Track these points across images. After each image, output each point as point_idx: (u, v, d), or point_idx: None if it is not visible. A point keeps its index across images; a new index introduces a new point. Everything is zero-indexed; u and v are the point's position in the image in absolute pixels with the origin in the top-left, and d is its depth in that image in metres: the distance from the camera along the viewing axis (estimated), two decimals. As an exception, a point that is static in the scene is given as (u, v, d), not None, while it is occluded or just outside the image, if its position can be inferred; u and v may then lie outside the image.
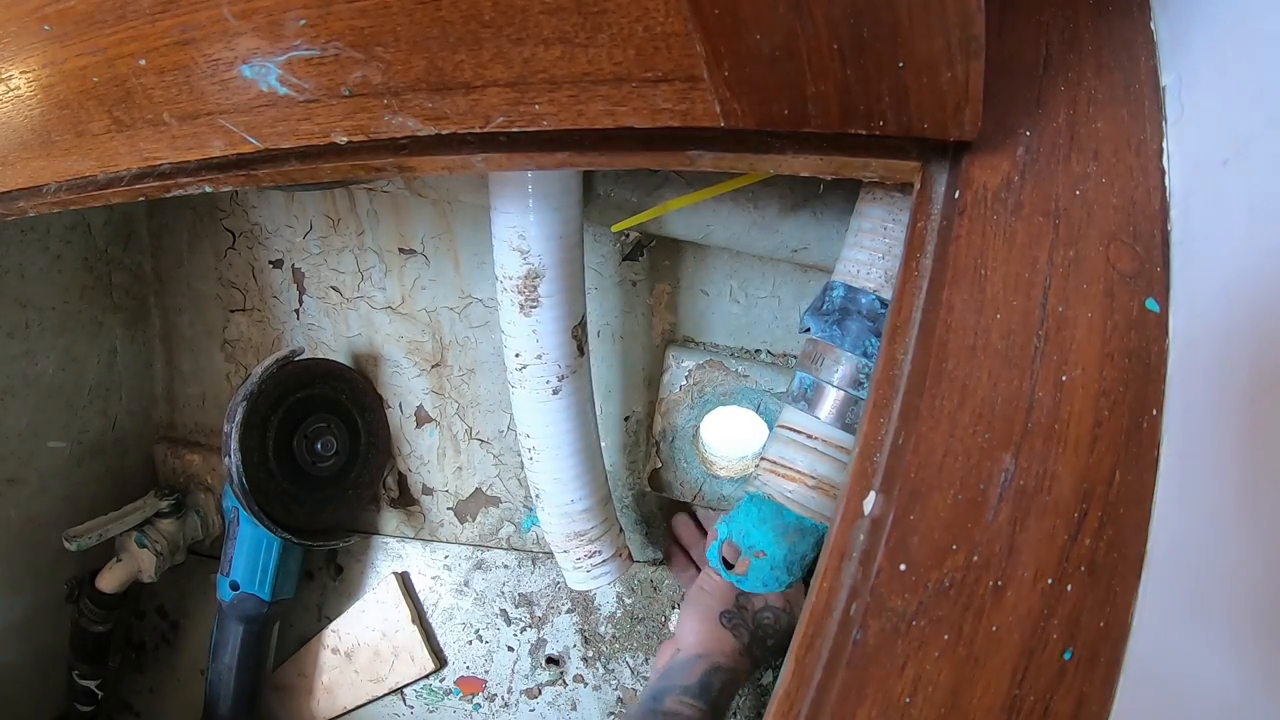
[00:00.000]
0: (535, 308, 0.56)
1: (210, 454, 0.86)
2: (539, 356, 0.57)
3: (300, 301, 0.82)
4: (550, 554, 0.80)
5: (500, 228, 0.55)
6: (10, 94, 0.40)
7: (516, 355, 0.58)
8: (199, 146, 0.40)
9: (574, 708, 0.82)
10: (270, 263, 0.82)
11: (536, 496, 0.64)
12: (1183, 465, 0.31)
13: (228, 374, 0.87)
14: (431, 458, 0.83)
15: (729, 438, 0.75)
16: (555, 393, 0.58)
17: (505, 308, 0.57)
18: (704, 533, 0.74)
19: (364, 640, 0.86)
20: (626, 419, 0.78)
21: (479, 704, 0.85)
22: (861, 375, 0.47)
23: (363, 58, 0.34)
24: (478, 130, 0.37)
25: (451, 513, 0.85)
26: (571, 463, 0.61)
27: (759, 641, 0.62)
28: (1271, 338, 0.28)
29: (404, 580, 0.86)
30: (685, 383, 0.71)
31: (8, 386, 0.74)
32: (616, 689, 0.81)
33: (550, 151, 0.39)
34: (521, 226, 0.54)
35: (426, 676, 0.85)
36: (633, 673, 0.81)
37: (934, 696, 0.29)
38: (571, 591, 0.80)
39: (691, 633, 0.62)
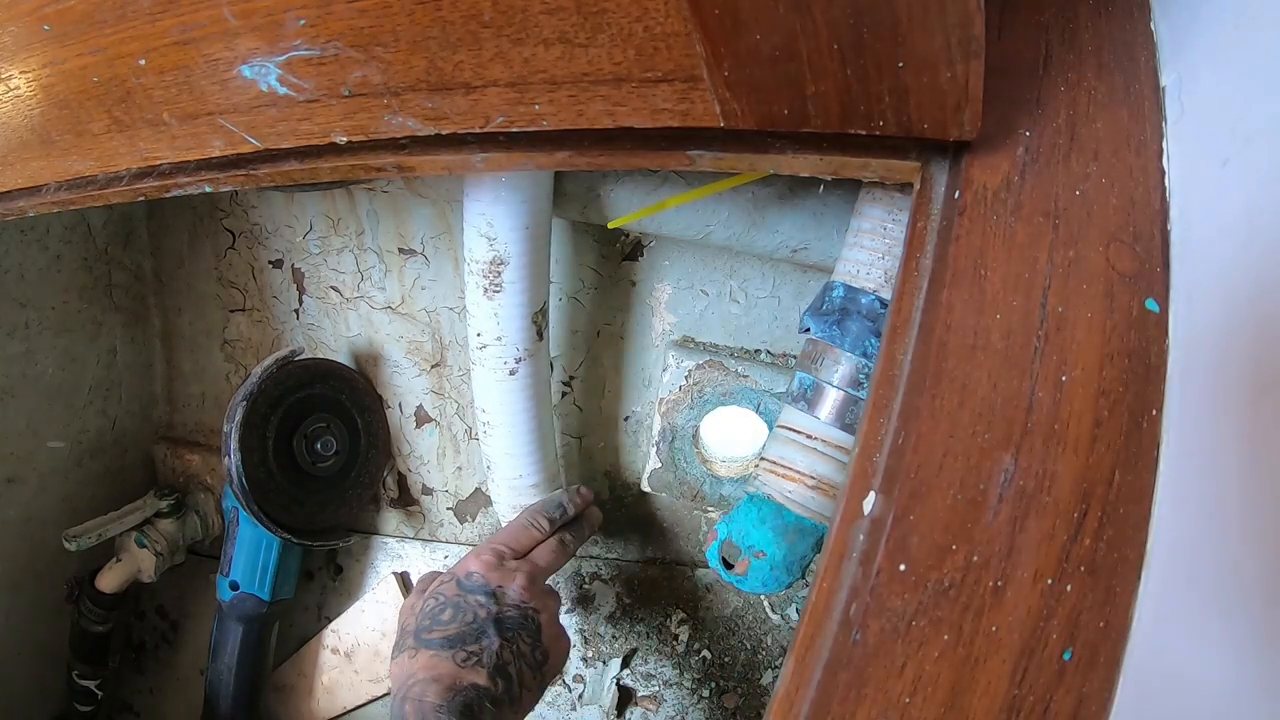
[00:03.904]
0: (498, 292, 0.59)
1: (210, 454, 0.86)
2: (499, 338, 0.61)
3: (300, 301, 0.82)
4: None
5: (471, 214, 0.58)
6: (10, 94, 0.40)
7: (478, 335, 0.61)
8: (199, 146, 0.40)
9: (574, 708, 0.82)
10: (270, 263, 0.82)
11: (488, 468, 0.68)
12: (1183, 465, 0.31)
13: (228, 374, 0.87)
14: (431, 458, 0.83)
15: (729, 438, 0.75)
16: (512, 373, 0.62)
17: (470, 289, 0.60)
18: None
19: (364, 640, 0.86)
20: (626, 419, 0.78)
21: (479, 704, 0.85)
22: (861, 375, 0.47)
23: (363, 58, 0.34)
24: (478, 130, 0.37)
25: (451, 513, 0.85)
26: (523, 440, 0.65)
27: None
28: (1271, 338, 0.28)
29: (404, 580, 0.86)
30: (685, 383, 0.71)
31: (8, 386, 0.74)
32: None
33: (550, 151, 0.39)
34: (490, 215, 0.57)
35: (426, 676, 0.85)
36: (632, 673, 0.81)
37: (934, 696, 0.29)
38: (572, 591, 0.80)
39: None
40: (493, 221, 0.57)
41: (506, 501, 0.68)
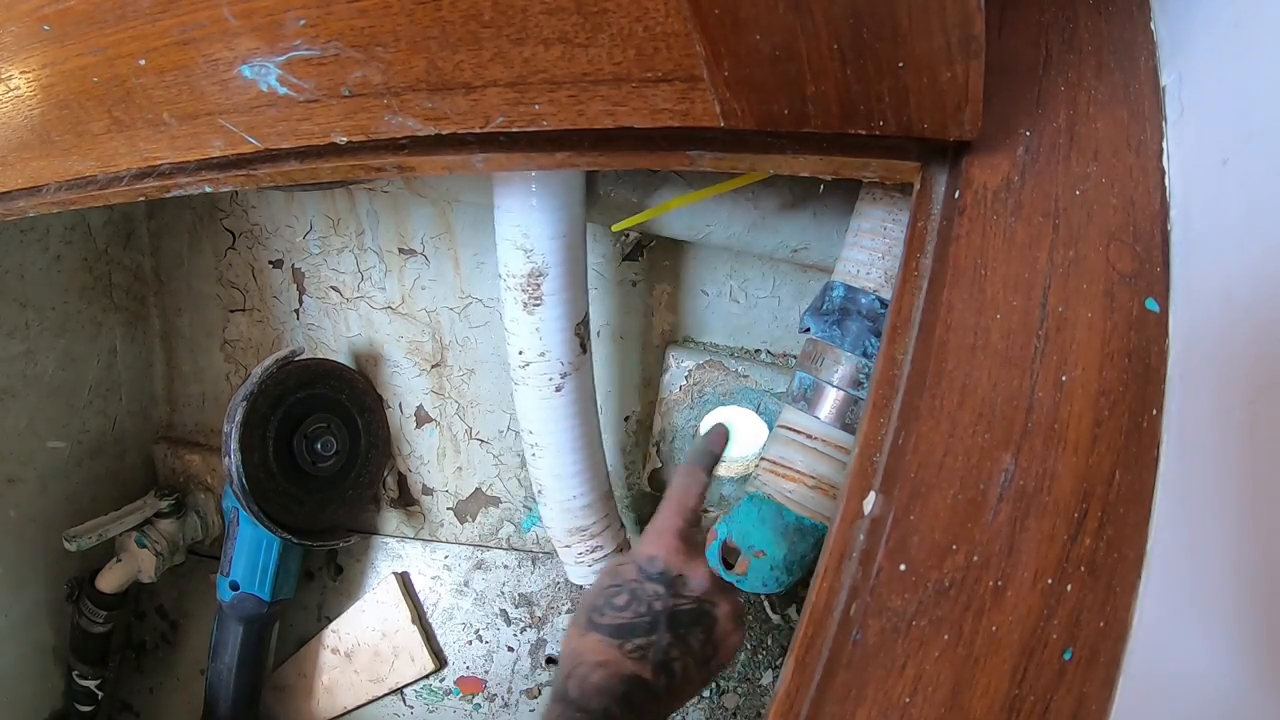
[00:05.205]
0: (539, 306, 0.56)
1: (210, 454, 0.86)
2: (542, 354, 0.58)
3: (300, 301, 0.82)
4: (550, 554, 0.81)
5: (504, 226, 0.55)
6: (10, 94, 0.40)
7: (520, 353, 0.58)
8: (199, 146, 0.40)
9: (574, 708, 0.82)
10: (270, 263, 0.82)
11: (539, 492, 0.64)
12: (1183, 465, 0.31)
13: (228, 374, 0.87)
14: (431, 458, 0.83)
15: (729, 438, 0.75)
16: (558, 390, 0.59)
17: (509, 305, 0.57)
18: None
19: (364, 640, 0.86)
20: (626, 419, 0.78)
21: (479, 704, 0.85)
22: (861, 375, 0.47)
23: (363, 58, 0.34)
24: (478, 130, 0.37)
25: (451, 513, 0.85)
26: (573, 459, 0.61)
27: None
28: (1271, 337, 0.28)
29: (404, 580, 0.86)
30: (685, 383, 0.71)
31: (8, 386, 0.74)
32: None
33: (550, 151, 0.39)
34: (525, 225, 0.54)
35: (426, 677, 0.85)
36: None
37: (934, 696, 0.29)
38: (571, 591, 0.80)
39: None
40: (528, 232, 0.54)
41: (561, 525, 0.65)
